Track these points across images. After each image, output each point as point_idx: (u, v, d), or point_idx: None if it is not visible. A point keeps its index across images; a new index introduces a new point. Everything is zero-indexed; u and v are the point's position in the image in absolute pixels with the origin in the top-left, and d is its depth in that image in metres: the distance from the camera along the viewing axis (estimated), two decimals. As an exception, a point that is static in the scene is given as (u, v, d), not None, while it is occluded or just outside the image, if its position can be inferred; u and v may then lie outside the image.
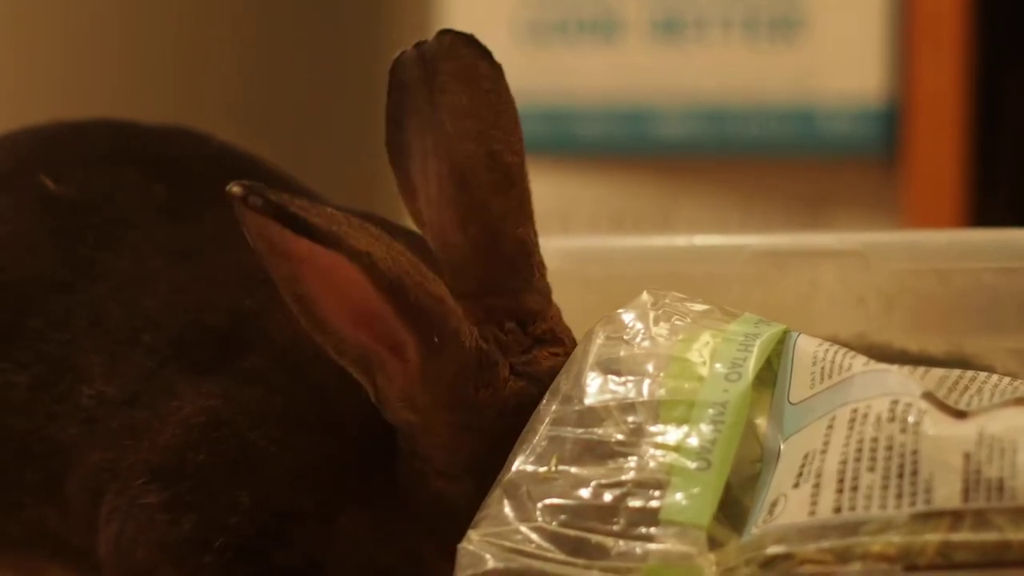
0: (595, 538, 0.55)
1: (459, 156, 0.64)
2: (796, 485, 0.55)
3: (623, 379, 0.59)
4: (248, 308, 0.66)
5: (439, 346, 0.60)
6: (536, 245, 0.65)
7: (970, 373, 0.61)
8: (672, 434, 0.57)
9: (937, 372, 0.61)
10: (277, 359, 0.65)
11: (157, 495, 0.64)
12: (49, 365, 0.67)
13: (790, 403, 0.58)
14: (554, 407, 0.59)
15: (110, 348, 0.66)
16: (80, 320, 0.67)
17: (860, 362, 0.58)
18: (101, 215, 0.68)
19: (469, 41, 0.65)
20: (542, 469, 0.57)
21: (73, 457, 0.66)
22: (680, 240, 0.83)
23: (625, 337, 0.61)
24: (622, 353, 0.60)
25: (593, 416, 0.58)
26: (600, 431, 0.58)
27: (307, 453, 0.65)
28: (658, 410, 0.58)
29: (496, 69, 0.65)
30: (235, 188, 0.56)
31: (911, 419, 0.54)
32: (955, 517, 0.52)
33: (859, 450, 0.54)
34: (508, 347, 0.63)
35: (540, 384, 0.62)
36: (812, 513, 0.54)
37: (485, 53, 0.65)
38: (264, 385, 0.65)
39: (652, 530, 0.55)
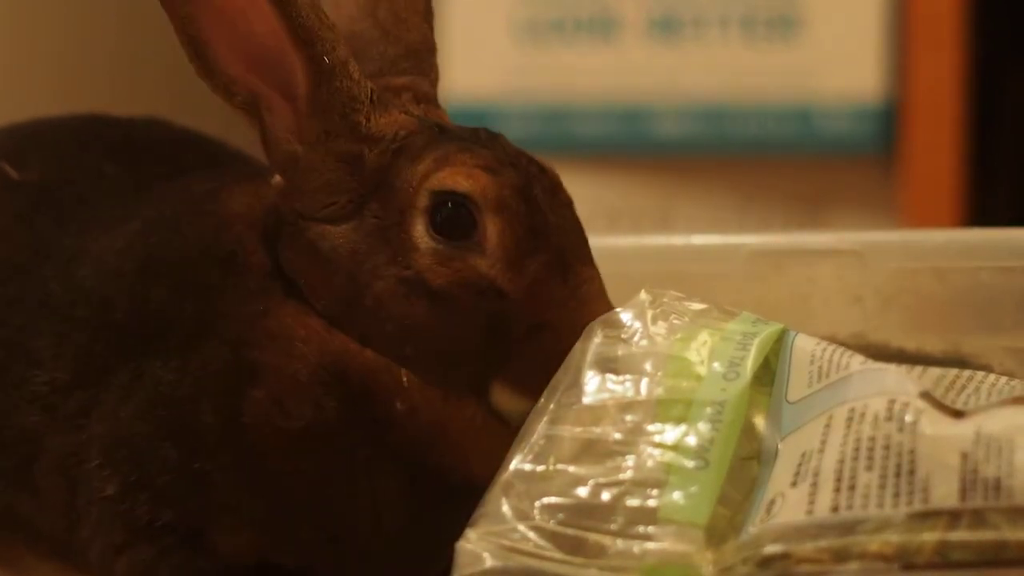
0: (593, 537, 0.55)
1: None
2: (794, 484, 0.55)
3: (621, 378, 0.59)
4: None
5: (330, 69, 0.63)
6: (437, 52, 0.70)
7: (967, 372, 0.61)
8: (670, 433, 0.57)
9: (935, 371, 0.61)
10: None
11: (113, 485, 0.65)
12: (6, 350, 0.67)
13: (788, 402, 0.58)
14: (552, 405, 0.59)
15: (55, 328, 0.67)
16: (31, 302, 0.67)
17: (857, 361, 0.58)
18: (58, 196, 0.70)
19: None
20: (540, 468, 0.57)
21: (39, 443, 0.67)
22: (678, 239, 0.83)
23: (623, 336, 0.61)
24: (620, 352, 0.60)
25: (591, 415, 0.58)
26: (598, 430, 0.58)
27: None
28: (656, 409, 0.58)
29: None
30: None
31: (908, 418, 0.54)
32: (952, 516, 0.52)
33: (856, 449, 0.54)
34: (402, 104, 0.67)
35: (432, 126, 0.65)
36: (810, 512, 0.54)
37: None
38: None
39: (650, 529, 0.55)
